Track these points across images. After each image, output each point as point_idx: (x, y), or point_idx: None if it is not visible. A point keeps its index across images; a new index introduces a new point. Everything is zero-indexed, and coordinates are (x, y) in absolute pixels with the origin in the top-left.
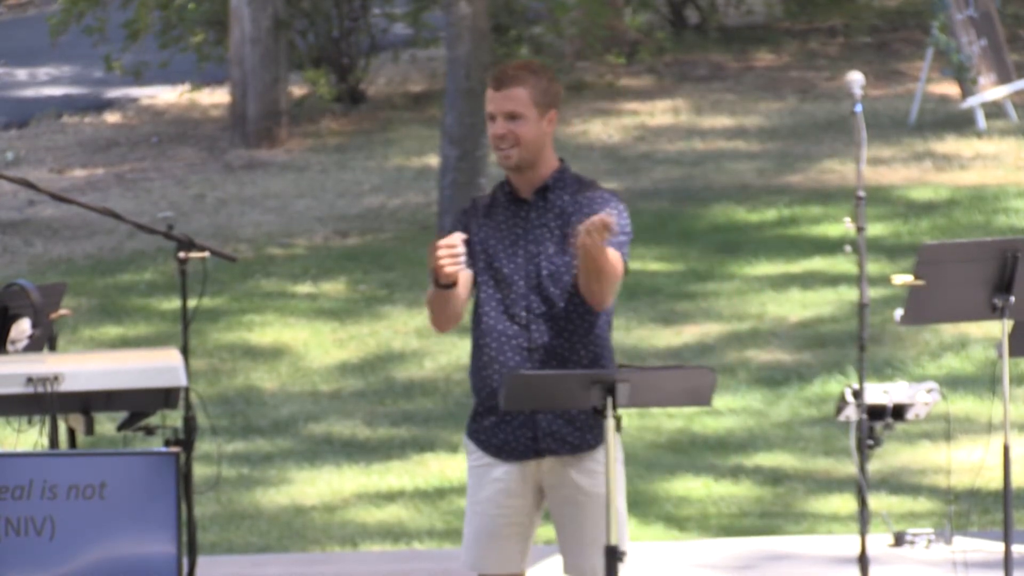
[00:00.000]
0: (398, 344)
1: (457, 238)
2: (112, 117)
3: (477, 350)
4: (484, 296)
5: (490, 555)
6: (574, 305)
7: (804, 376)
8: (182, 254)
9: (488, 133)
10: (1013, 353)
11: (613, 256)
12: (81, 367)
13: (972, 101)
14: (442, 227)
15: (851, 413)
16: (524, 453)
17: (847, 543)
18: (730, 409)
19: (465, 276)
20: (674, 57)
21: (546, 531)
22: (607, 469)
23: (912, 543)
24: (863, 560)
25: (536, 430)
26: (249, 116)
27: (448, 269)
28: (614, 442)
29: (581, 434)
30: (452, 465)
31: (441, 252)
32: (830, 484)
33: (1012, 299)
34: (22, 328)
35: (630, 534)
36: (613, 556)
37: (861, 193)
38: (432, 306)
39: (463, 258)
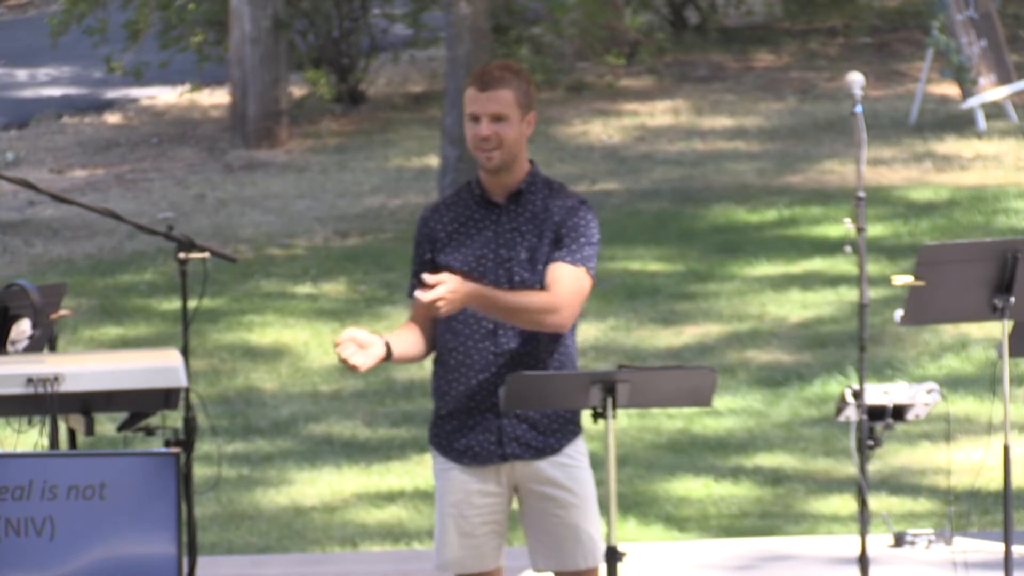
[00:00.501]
0: None
1: (346, 334)
2: (112, 117)
3: (442, 355)
4: None
5: (470, 555)
6: None
7: (804, 376)
8: (182, 255)
9: (469, 134)
10: (1013, 353)
11: (556, 274)
12: (81, 367)
13: (972, 102)
14: None
15: (851, 413)
16: (488, 458)
17: (847, 543)
18: (730, 409)
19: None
20: (674, 57)
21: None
22: (607, 469)
23: (912, 543)
24: (863, 560)
25: (501, 435)
26: (249, 116)
27: (354, 363)
28: (613, 443)
29: (545, 439)
30: None
31: (341, 352)
32: (830, 484)
33: (1012, 299)
34: (22, 328)
35: (630, 534)
36: (613, 556)
37: (861, 193)
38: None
39: (360, 351)
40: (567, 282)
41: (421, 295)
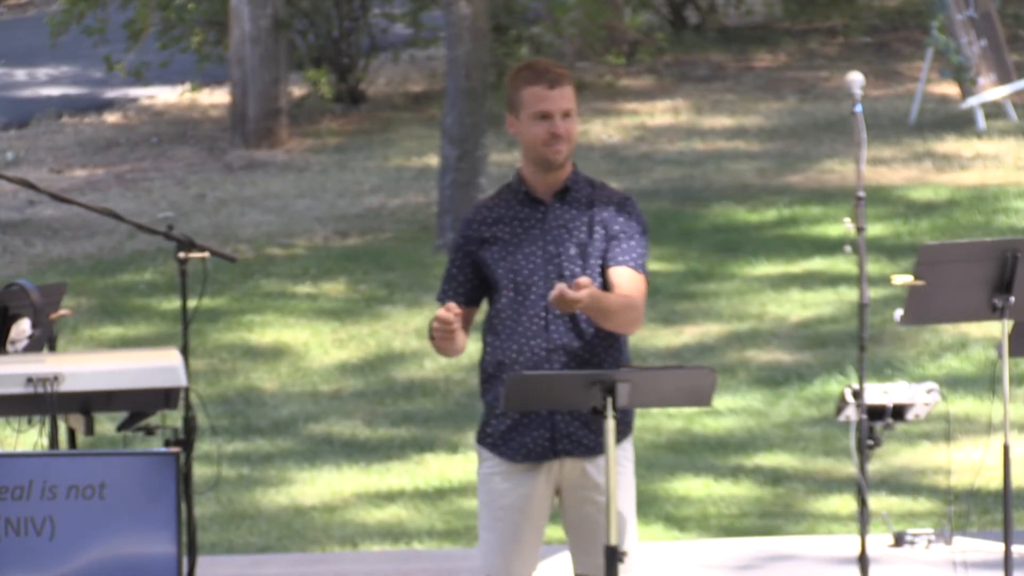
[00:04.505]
0: (398, 344)
1: (451, 311)
2: (112, 117)
3: (493, 352)
4: (502, 298)
5: (516, 560)
6: None
7: (804, 376)
8: (182, 254)
9: (539, 131)
10: (1013, 353)
11: (625, 277)
12: (81, 367)
13: (972, 101)
14: (442, 227)
15: (851, 413)
16: (542, 454)
17: (847, 543)
18: (730, 409)
19: (466, 314)
20: (674, 57)
21: (550, 531)
22: (607, 469)
23: (912, 543)
24: (863, 560)
25: (554, 431)
26: (249, 116)
27: (440, 344)
28: (614, 442)
29: (596, 436)
30: (452, 465)
31: (436, 327)
32: (830, 484)
33: (1012, 299)
34: (22, 328)
35: None
36: (613, 556)
37: (861, 193)
38: (437, 344)
39: (456, 326)
40: (635, 285)
41: (563, 291)
